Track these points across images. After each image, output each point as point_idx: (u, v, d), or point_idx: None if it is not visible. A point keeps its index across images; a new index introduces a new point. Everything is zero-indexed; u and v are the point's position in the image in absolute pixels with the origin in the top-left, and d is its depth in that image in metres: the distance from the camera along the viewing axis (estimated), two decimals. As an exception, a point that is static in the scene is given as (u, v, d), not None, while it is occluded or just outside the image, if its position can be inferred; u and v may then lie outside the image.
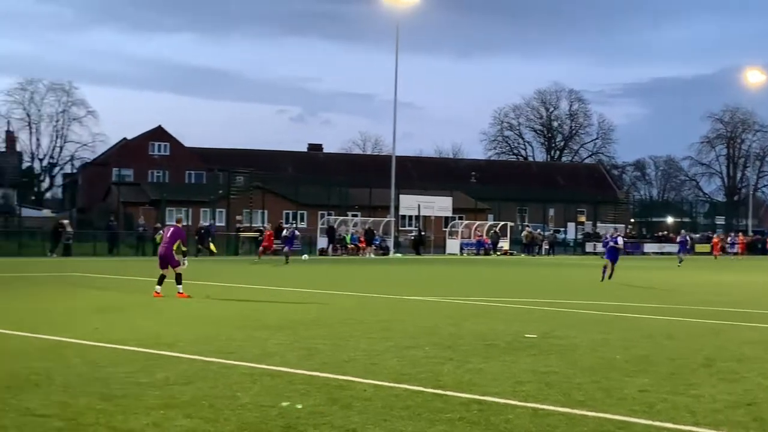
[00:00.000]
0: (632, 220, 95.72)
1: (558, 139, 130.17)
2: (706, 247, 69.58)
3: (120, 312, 17.01)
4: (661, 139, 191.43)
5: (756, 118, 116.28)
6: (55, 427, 7.38)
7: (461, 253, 63.28)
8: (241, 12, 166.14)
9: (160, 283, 20.16)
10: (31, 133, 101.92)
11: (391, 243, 61.51)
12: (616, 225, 63.74)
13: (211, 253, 45.63)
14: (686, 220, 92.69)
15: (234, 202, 60.01)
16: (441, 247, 64.78)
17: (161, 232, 21.12)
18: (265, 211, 63.69)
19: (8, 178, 78.96)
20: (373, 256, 56.88)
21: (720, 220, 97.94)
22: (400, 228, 69.97)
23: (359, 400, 8.66)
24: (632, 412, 8.36)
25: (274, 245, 44.14)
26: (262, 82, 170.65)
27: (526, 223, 75.46)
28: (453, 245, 64.48)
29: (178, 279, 20.18)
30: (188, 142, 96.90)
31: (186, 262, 21.33)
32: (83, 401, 8.36)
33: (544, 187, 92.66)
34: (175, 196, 70.00)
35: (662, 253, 70.44)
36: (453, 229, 66.43)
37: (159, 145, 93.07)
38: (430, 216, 69.12)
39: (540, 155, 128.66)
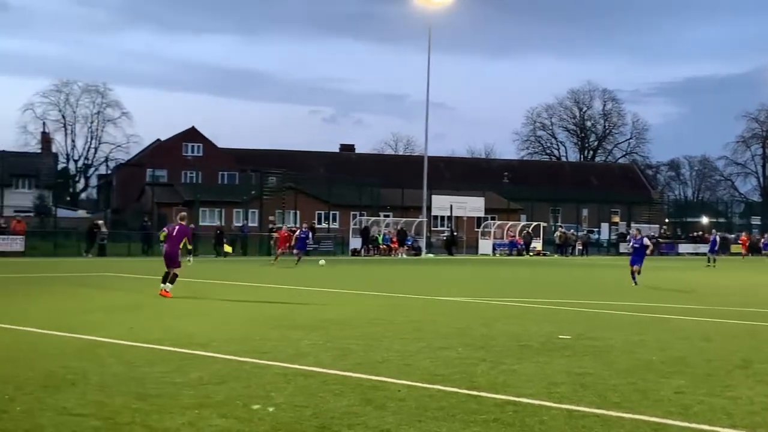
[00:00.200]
0: (667, 221, 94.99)
1: (591, 139, 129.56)
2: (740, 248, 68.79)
3: (154, 312, 17.11)
4: (696, 138, 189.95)
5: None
6: (92, 426, 7.44)
7: (494, 254, 63.14)
8: (274, 13, 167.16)
9: (165, 281, 20.26)
10: (66, 134, 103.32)
11: (423, 243, 61.49)
12: (639, 225, 63.01)
13: (226, 254, 46.02)
14: (721, 220, 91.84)
15: (267, 203, 60.26)
16: (473, 248, 64.66)
17: (165, 230, 21.16)
18: (298, 212, 63.97)
19: (44, 179, 79.75)
20: (405, 256, 56.87)
21: (756, 220, 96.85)
22: (433, 228, 69.92)
23: (393, 400, 8.65)
24: (668, 414, 8.28)
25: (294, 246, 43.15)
26: (295, 82, 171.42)
27: (559, 224, 75.09)
28: (485, 246, 64.35)
29: (173, 279, 20.20)
30: (221, 142, 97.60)
31: (192, 260, 21.40)
32: (119, 400, 8.42)
33: (577, 188, 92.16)
34: (208, 196, 70.44)
35: (697, 254, 69.77)
36: (485, 230, 66.27)
37: (192, 146, 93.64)
38: (462, 216, 69.00)
39: (573, 155, 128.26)
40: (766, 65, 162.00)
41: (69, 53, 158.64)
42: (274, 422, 7.67)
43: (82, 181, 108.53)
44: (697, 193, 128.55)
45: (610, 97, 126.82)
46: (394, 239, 58.30)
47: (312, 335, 13.58)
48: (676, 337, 14.38)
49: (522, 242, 65.23)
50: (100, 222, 48.32)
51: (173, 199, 72.45)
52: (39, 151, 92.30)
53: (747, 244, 65.13)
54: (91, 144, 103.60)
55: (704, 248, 67.33)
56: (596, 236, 77.92)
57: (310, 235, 42.10)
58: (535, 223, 68.30)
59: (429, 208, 64.59)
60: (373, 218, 62.32)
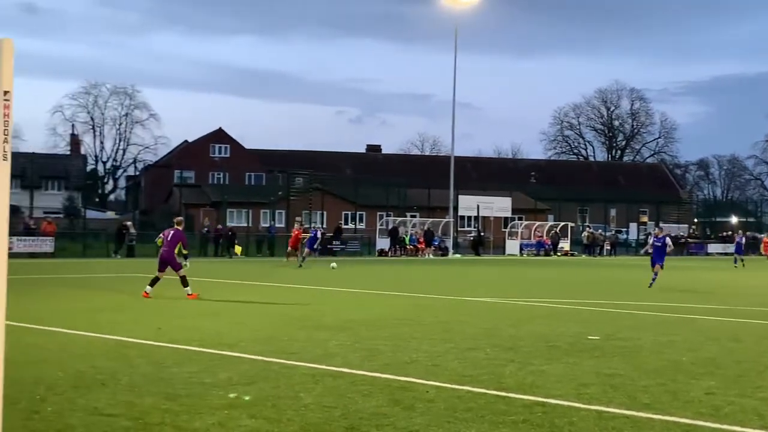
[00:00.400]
0: (696, 221, 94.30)
1: (619, 139, 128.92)
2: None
3: (181, 312, 17.20)
4: (725, 137, 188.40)
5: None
6: (122, 427, 7.48)
7: (521, 254, 62.96)
8: (301, 14, 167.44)
9: (152, 284, 20.30)
10: (95, 136, 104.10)
11: (450, 244, 61.42)
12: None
13: (235, 255, 46.28)
14: (751, 220, 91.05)
15: (293, 204, 60.44)
16: (500, 248, 64.50)
17: (161, 235, 21.27)
18: (324, 212, 64.05)
19: (73, 180, 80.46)
20: (432, 256, 56.83)
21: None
22: (459, 229, 69.84)
23: (422, 401, 8.64)
24: (699, 415, 8.22)
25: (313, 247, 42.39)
26: (321, 83, 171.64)
27: (587, 224, 74.70)
28: (513, 246, 64.17)
29: (184, 282, 20.25)
30: (248, 143, 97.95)
31: (188, 264, 21.48)
32: (149, 401, 8.46)
33: (605, 187, 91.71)
34: (236, 197, 70.70)
35: (726, 254, 69.11)
36: (513, 230, 66.08)
37: (219, 147, 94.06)
38: (489, 216, 68.88)
39: (601, 155, 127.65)
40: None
41: (97, 55, 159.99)
42: (303, 422, 7.67)
43: (111, 182, 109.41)
44: (726, 193, 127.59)
45: (638, 96, 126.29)
46: (421, 240, 58.28)
47: (339, 336, 13.59)
48: (706, 338, 14.28)
49: (549, 242, 65.00)
50: (129, 223, 48.63)
51: (201, 200, 72.84)
52: (68, 152, 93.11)
53: None
54: (119, 145, 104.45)
55: (733, 248, 66.79)
56: (624, 236, 77.49)
57: (318, 234, 41.66)
58: (562, 223, 68.01)
59: (456, 209, 64.51)
60: (400, 218, 62.32)
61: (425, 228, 59.85)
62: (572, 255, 64.66)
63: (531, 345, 12.90)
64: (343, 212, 70.73)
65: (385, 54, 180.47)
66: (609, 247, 67.30)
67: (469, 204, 66.45)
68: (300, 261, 38.10)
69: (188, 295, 20.03)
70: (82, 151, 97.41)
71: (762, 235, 74.59)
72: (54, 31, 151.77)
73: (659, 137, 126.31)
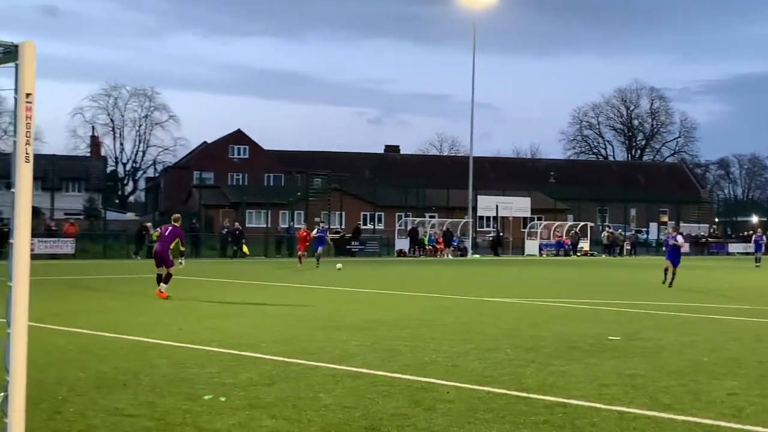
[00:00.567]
0: (716, 220, 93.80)
1: (639, 138, 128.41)
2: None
3: (201, 313, 17.24)
4: (746, 136, 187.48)
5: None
6: (144, 427, 7.51)
7: (540, 254, 62.79)
8: (319, 15, 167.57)
9: (159, 282, 20.39)
10: (115, 137, 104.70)
11: (469, 244, 61.34)
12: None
13: (243, 255, 46.29)
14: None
15: (312, 204, 60.51)
16: (519, 248, 64.35)
17: (159, 229, 21.29)
18: (343, 213, 64.11)
19: (94, 182, 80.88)
20: (451, 257, 56.78)
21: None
22: (478, 229, 69.74)
23: (442, 402, 8.63)
24: (721, 416, 8.17)
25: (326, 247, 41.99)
26: (340, 84, 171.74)
27: (606, 224, 74.40)
28: (532, 246, 64.00)
29: (167, 279, 20.31)
30: (267, 144, 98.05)
31: (183, 262, 21.51)
32: (170, 401, 8.49)
33: (624, 187, 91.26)
34: (254, 198, 70.79)
35: (747, 253, 68.71)
36: (532, 230, 65.92)
37: (238, 148, 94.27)
38: (508, 217, 68.72)
39: (620, 154, 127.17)
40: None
41: (117, 57, 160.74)
42: (324, 423, 7.68)
43: (131, 183, 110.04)
44: (747, 192, 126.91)
45: (658, 96, 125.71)
46: (440, 240, 58.25)
47: (359, 336, 13.60)
48: (727, 338, 14.20)
49: (569, 242, 64.80)
50: (149, 224, 48.79)
51: (220, 201, 72.99)
52: (88, 154, 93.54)
53: None
54: (139, 147, 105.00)
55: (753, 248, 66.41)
56: (645, 236, 77.14)
57: (327, 234, 41.65)
58: (582, 223, 67.81)
59: (475, 209, 64.43)
60: (419, 219, 62.29)
61: (444, 228, 59.81)
62: (592, 255, 64.45)
63: (551, 345, 12.87)
64: (362, 213, 70.71)
65: (404, 54, 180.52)
66: (629, 247, 67.02)
67: (488, 204, 66.33)
68: (316, 263, 37.95)
69: (159, 292, 20.05)
70: (103, 153, 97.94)
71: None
72: (74, 33, 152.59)
73: (679, 136, 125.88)
